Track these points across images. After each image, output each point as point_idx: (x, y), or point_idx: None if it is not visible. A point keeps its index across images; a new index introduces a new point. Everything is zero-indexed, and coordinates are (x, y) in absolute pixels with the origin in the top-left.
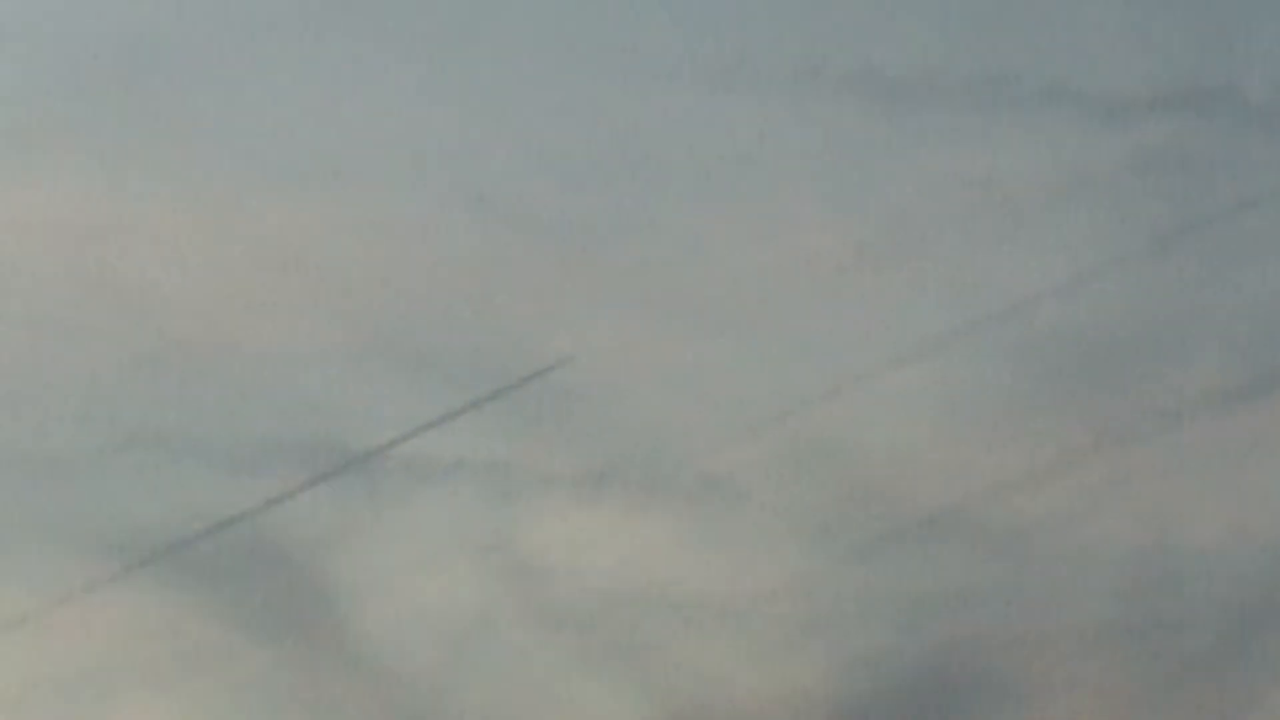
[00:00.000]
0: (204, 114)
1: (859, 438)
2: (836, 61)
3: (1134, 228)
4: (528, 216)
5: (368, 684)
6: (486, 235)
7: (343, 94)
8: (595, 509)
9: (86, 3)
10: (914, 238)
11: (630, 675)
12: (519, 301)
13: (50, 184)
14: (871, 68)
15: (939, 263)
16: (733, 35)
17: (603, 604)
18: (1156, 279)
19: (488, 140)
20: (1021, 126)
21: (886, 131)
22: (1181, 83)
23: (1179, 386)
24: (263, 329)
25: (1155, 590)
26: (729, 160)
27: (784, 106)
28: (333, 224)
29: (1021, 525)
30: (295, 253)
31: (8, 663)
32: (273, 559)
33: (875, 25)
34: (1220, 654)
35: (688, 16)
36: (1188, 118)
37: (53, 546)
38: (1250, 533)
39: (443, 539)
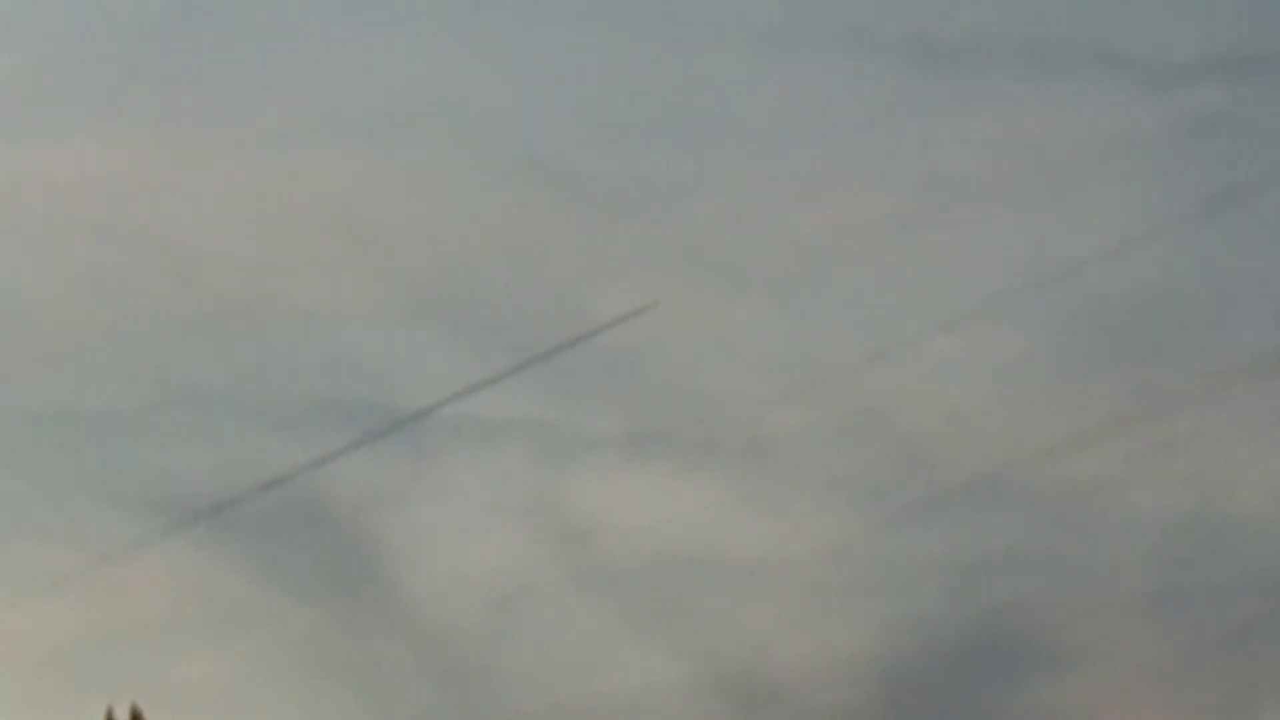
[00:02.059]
0: (250, 73)
1: (906, 402)
2: (885, 25)
3: (1182, 193)
4: (574, 178)
5: (413, 643)
6: (534, 196)
7: (391, 54)
8: (642, 470)
9: None
10: (962, 201)
11: (675, 636)
12: (566, 263)
13: (96, 143)
14: (920, 31)
15: (987, 227)
16: None
17: (649, 565)
18: (1204, 244)
19: (536, 101)
20: (1070, 91)
21: (935, 95)
22: (1230, 48)
23: (1227, 352)
24: (310, 289)
25: (1201, 556)
26: (777, 122)
27: (833, 69)
28: (380, 184)
29: (1067, 490)
30: (343, 213)
31: (54, 619)
32: (319, 519)
33: None
34: (1266, 619)
35: None
36: (1236, 83)
37: (98, 504)
38: None
39: (489, 500)
